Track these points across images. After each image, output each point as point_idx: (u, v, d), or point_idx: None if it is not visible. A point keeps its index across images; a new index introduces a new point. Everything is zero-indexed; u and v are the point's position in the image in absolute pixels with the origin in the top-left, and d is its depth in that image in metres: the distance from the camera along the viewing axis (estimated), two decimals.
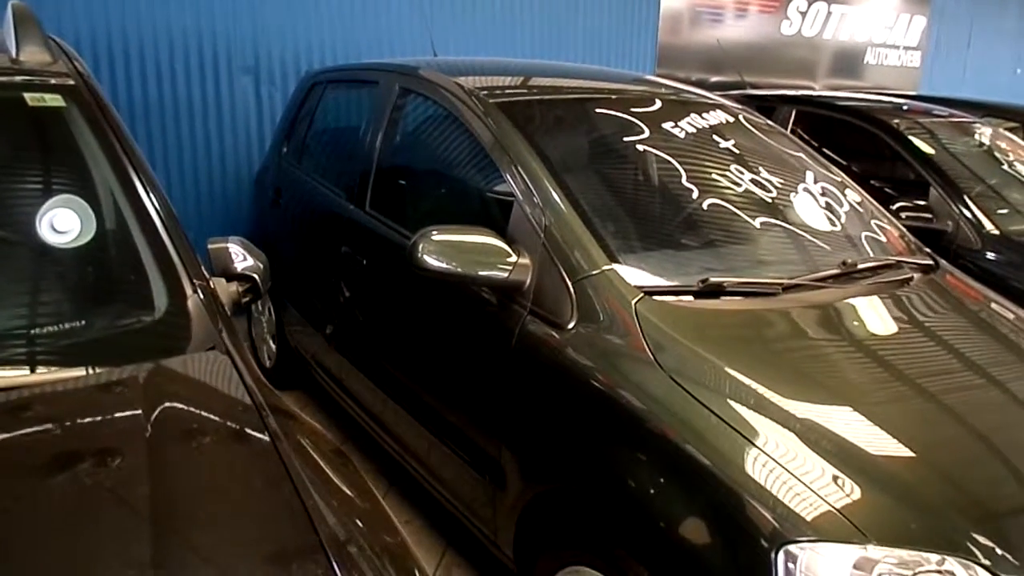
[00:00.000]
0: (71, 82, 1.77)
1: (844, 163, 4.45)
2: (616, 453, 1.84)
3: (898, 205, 3.63)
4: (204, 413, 1.24)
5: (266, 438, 1.17)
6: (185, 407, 1.23)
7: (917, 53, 9.29)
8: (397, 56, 4.92)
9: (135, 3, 4.27)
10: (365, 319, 2.92)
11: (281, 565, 0.96)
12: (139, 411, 1.18)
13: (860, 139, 4.34)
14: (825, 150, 4.47)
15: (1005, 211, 3.95)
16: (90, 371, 1.27)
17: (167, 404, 1.21)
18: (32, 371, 1.29)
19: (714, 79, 7.14)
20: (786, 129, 4.44)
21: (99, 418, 1.19)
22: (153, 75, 4.42)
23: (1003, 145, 4.38)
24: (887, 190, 4.04)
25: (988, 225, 3.64)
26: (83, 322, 1.39)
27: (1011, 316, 2.41)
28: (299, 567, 0.95)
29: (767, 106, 4.77)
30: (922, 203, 3.77)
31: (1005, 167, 4.18)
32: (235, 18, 4.62)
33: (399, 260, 2.39)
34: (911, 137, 4.09)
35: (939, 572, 1.51)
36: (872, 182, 4.21)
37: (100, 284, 1.51)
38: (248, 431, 1.19)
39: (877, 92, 6.84)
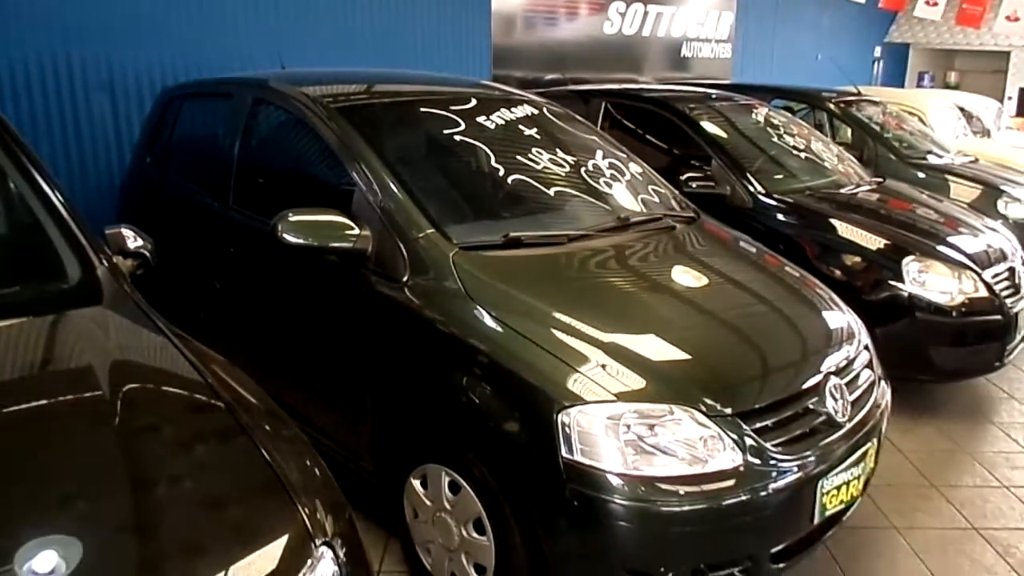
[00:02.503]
0: None
1: (659, 143, 5.20)
2: (442, 372, 2.39)
3: (687, 176, 4.35)
4: (128, 340, 1.70)
5: (177, 352, 1.65)
6: (112, 338, 1.69)
7: (728, 45, 10.37)
8: (248, 69, 5.29)
9: None
10: (237, 300, 3.36)
11: (198, 415, 1.45)
12: (79, 343, 1.64)
13: (661, 123, 5.08)
14: (644, 133, 5.21)
15: (780, 176, 4.79)
16: (31, 319, 1.71)
17: (99, 335, 1.67)
18: None
19: (548, 77, 7.84)
20: (599, 118, 5.15)
21: (48, 347, 1.64)
22: (9, 94, 4.62)
23: (776, 122, 5.24)
24: (685, 164, 4.78)
25: (759, 188, 4.44)
26: (19, 288, 1.82)
27: (751, 248, 3.17)
28: (209, 415, 1.45)
29: (586, 99, 5.47)
30: (708, 173, 4.52)
31: (775, 140, 5.03)
32: (88, 37, 4.86)
33: (264, 245, 2.85)
34: (698, 120, 4.87)
35: (672, 420, 2.15)
36: (672, 158, 4.98)
37: (30, 261, 1.93)
38: (162, 347, 1.67)
39: (688, 83, 7.73)
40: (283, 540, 1.25)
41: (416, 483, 2.50)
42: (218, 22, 5.49)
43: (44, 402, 1.45)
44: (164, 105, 4.20)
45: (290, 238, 2.58)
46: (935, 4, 9.93)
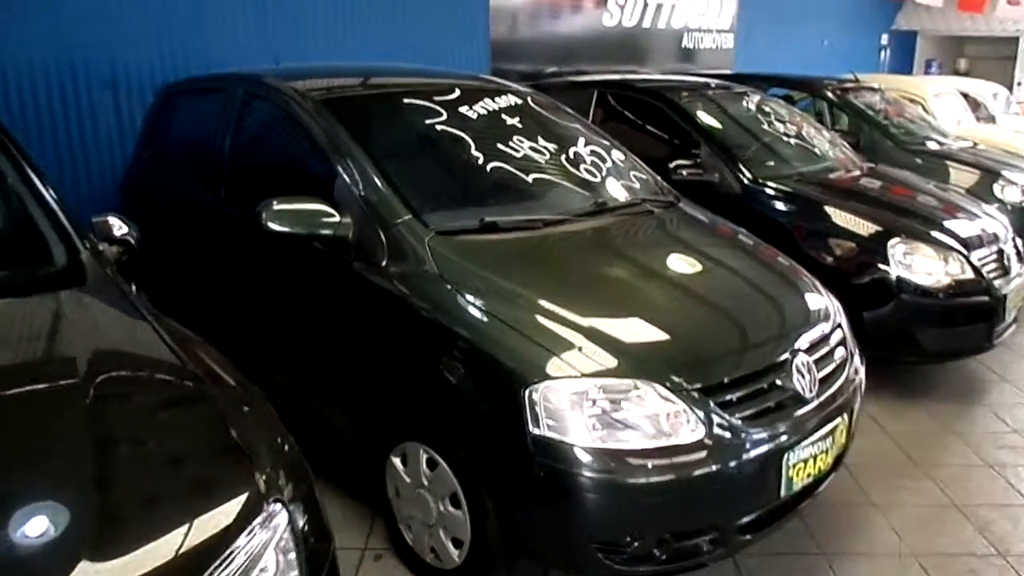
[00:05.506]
0: None
1: (651, 131, 5.24)
2: (418, 353, 2.47)
3: (676, 163, 4.41)
4: (105, 318, 1.81)
5: (151, 329, 1.75)
6: (91, 316, 1.80)
7: (730, 35, 10.38)
8: (247, 65, 5.38)
9: None
10: (232, 290, 3.46)
11: (165, 385, 1.55)
12: (60, 320, 1.75)
13: (653, 112, 5.14)
14: (637, 122, 5.27)
15: (770, 163, 4.83)
16: (19, 300, 1.82)
17: (80, 313, 1.77)
18: None
19: (547, 71, 7.89)
20: (591, 108, 5.22)
21: (31, 324, 1.75)
22: (15, 97, 4.73)
23: (767, 110, 5.29)
24: (677, 151, 4.83)
25: (747, 174, 4.49)
26: (8, 271, 1.93)
27: (728, 230, 3.23)
28: (176, 386, 1.55)
29: (580, 89, 5.54)
30: (697, 160, 4.58)
31: (766, 127, 5.08)
32: (91, 37, 4.96)
33: (255, 235, 2.94)
34: (688, 108, 4.92)
35: (636, 394, 2.22)
36: (664, 146, 5.03)
37: (19, 246, 2.04)
38: (137, 324, 1.77)
39: (686, 73, 7.76)
40: (239, 496, 1.33)
41: (396, 461, 2.59)
42: (218, 19, 5.59)
43: (24, 374, 1.55)
44: (162, 101, 4.30)
45: (274, 226, 2.67)
46: None
